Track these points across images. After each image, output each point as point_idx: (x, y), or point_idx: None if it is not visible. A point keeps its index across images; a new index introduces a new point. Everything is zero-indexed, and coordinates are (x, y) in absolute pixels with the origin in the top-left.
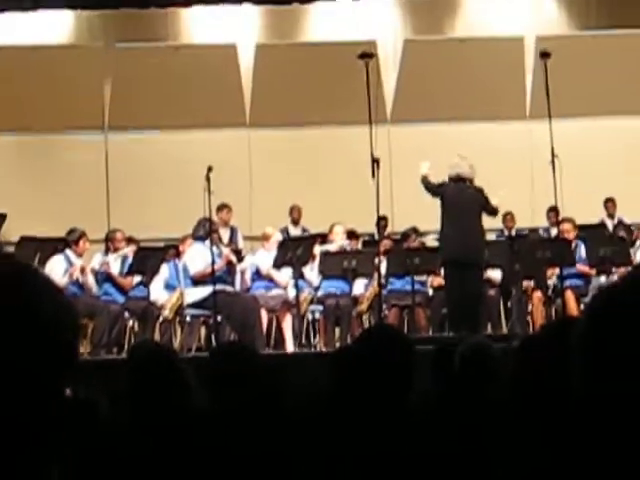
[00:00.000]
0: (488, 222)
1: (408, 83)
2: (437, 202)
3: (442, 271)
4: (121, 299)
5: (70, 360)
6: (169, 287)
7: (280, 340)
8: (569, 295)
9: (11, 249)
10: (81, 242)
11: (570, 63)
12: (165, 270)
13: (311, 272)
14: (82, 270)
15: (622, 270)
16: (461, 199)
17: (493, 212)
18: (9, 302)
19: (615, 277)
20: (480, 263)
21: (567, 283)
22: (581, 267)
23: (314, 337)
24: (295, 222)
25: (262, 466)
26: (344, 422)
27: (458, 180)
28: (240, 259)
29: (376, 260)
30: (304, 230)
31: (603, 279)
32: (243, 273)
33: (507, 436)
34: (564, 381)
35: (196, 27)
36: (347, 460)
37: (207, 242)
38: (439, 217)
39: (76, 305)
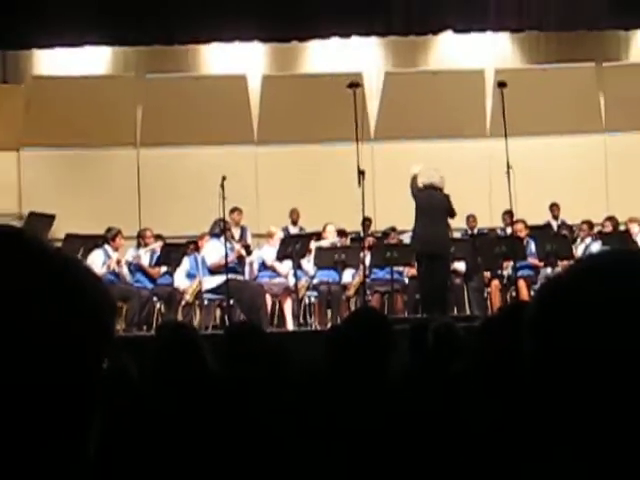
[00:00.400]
0: (454, 223)
1: (388, 108)
2: (412, 206)
3: (416, 263)
4: (150, 286)
5: (108, 337)
6: (190, 276)
7: (282, 320)
8: (521, 284)
9: (59, 244)
10: (117, 238)
11: (523, 91)
12: (187, 262)
13: (308, 264)
14: (118, 262)
15: (565, 263)
16: (432, 203)
17: (452, 215)
18: (59, 289)
19: (560, 268)
20: (447, 256)
21: (520, 273)
22: (531, 260)
23: (310, 317)
24: (294, 222)
25: (268, 425)
26: (337, 388)
27: (431, 188)
28: (249, 253)
29: (361, 254)
30: (301, 229)
31: (549, 270)
32: (251, 264)
33: (470, 400)
34: (517, 355)
35: (213, 61)
36: (340, 421)
37: (221, 239)
38: (413, 219)
39: (112, 291)
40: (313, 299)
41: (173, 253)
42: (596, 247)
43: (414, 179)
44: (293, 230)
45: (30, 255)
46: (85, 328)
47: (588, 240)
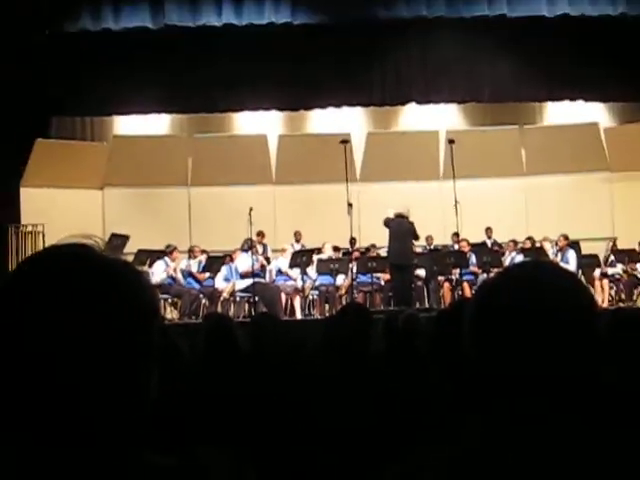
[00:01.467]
0: (418, 242)
1: (370, 158)
2: (386, 231)
3: (389, 271)
4: (198, 287)
5: (158, 313)
6: (226, 280)
7: (292, 311)
8: (465, 285)
9: (130, 258)
10: (174, 252)
11: (467, 146)
12: (224, 269)
13: (311, 271)
14: (174, 269)
15: (496, 270)
16: (400, 228)
17: (417, 238)
18: (134, 286)
19: (492, 274)
20: (411, 266)
21: (464, 278)
22: (472, 268)
23: (313, 310)
24: (297, 241)
25: (285, 389)
26: (333, 361)
27: (400, 217)
28: (269, 263)
29: (350, 264)
30: (303, 246)
31: (485, 275)
32: (270, 271)
33: (427, 372)
34: (461, 338)
35: (243, 124)
36: (335, 384)
37: (249, 253)
38: (387, 239)
39: (170, 290)
40: (315, 296)
41: (214, 263)
42: (519, 259)
43: (387, 218)
44: (296, 246)
45: (96, 261)
46: (148, 308)
47: (513, 254)
